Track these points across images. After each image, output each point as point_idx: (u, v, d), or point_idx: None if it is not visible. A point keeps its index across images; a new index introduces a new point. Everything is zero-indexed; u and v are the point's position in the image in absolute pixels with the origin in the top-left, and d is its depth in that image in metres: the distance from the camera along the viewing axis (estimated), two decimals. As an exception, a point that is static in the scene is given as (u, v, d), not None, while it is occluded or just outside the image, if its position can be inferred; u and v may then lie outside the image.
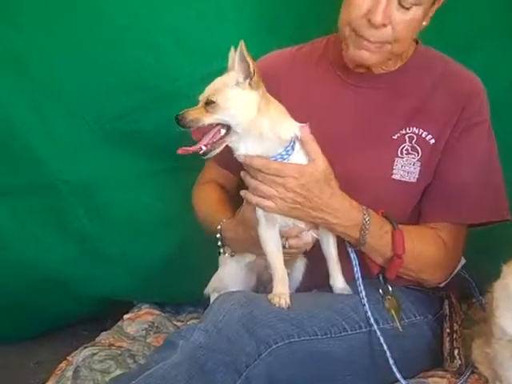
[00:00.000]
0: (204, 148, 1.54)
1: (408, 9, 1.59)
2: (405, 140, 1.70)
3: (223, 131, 1.54)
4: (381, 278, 1.70)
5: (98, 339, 2.02)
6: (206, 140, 1.54)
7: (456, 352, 1.68)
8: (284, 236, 1.63)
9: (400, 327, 1.64)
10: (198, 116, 1.52)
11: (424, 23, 1.66)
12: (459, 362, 1.67)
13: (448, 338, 1.71)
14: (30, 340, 2.55)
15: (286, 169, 1.55)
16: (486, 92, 1.74)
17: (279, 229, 1.62)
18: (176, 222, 2.20)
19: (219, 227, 1.76)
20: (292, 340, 1.51)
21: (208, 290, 1.83)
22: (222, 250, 1.77)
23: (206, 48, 2.00)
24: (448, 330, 1.72)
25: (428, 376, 1.68)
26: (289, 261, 1.68)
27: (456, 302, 1.81)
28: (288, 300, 1.56)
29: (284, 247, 1.63)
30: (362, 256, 1.67)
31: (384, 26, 1.59)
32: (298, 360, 1.52)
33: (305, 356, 1.53)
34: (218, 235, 1.75)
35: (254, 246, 1.66)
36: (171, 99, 2.04)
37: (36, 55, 2.09)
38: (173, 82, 2.06)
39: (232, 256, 1.77)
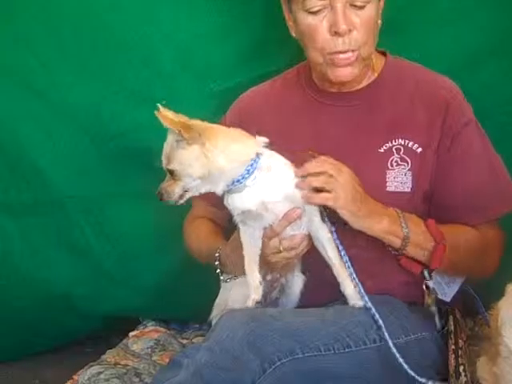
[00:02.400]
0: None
1: (362, 8, 1.65)
2: (392, 152, 1.73)
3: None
4: (426, 273, 1.70)
5: (103, 357, 2.03)
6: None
7: (461, 368, 1.67)
8: (273, 236, 1.62)
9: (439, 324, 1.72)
10: (169, 189, 1.59)
11: (379, 21, 1.71)
12: (465, 378, 1.65)
13: (453, 355, 1.70)
14: (36, 357, 2.56)
15: None
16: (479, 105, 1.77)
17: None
18: (182, 239, 2.20)
19: (217, 254, 1.77)
20: (296, 356, 1.50)
21: (212, 317, 1.81)
22: (222, 278, 1.78)
23: (210, 67, 2.03)
24: (453, 347, 1.71)
25: (434, 393, 1.67)
26: (286, 266, 1.68)
27: (461, 317, 1.81)
28: (255, 297, 1.60)
29: (279, 250, 1.63)
30: (399, 262, 1.68)
31: (350, 31, 1.64)
32: (303, 376, 1.51)
33: (309, 372, 1.52)
34: (217, 263, 1.76)
35: None
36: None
37: (43, 74, 2.12)
38: (177, 100, 2.07)
39: (235, 279, 1.77)
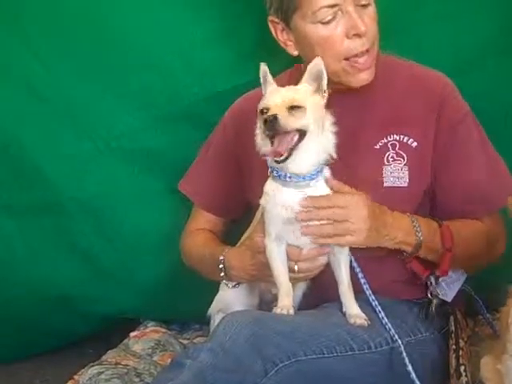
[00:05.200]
0: (285, 154, 1.51)
1: (367, 6, 1.68)
2: (388, 148, 1.74)
3: (296, 137, 1.52)
4: (432, 279, 1.71)
5: (104, 358, 2.03)
6: (286, 146, 1.51)
7: (462, 369, 1.67)
8: (296, 260, 1.62)
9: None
10: (286, 121, 1.50)
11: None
12: (465, 378, 1.66)
13: (454, 355, 1.70)
14: (36, 358, 2.55)
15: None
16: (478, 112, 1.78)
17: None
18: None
19: (222, 258, 1.76)
20: (298, 358, 1.51)
21: (211, 311, 1.83)
22: (225, 282, 1.78)
23: (211, 68, 2.03)
24: (454, 347, 1.72)
25: (434, 394, 1.68)
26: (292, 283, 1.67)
27: (461, 318, 1.82)
28: (292, 312, 1.58)
29: (293, 271, 1.63)
30: (406, 265, 1.70)
31: (366, 31, 1.66)
32: (303, 378, 1.52)
33: (311, 374, 1.53)
34: (221, 266, 1.75)
35: (261, 271, 1.67)
36: (177, 119, 2.07)
37: (45, 76, 2.13)
38: (179, 101, 2.08)
39: (235, 287, 1.77)
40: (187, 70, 2.07)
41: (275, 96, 1.56)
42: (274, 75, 1.62)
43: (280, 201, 1.57)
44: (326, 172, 1.60)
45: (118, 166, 2.19)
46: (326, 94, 1.58)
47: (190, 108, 1.99)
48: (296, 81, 1.77)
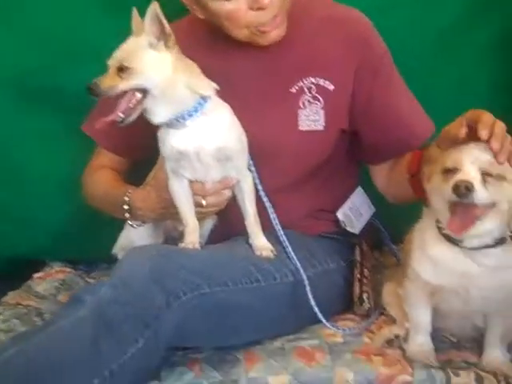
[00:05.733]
0: (122, 115, 1.50)
1: None
2: (304, 91, 1.70)
3: (139, 95, 1.50)
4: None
5: (4, 299, 1.95)
6: (122, 107, 1.50)
7: (365, 296, 1.72)
8: (201, 195, 1.61)
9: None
10: (112, 84, 1.46)
11: None
12: (368, 305, 1.71)
13: (358, 284, 1.74)
14: None
15: None
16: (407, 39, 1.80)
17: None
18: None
19: (127, 198, 1.71)
20: (202, 291, 1.49)
21: (116, 249, 1.79)
22: (130, 223, 1.74)
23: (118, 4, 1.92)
24: (358, 276, 1.75)
25: (338, 320, 1.71)
26: (200, 220, 1.66)
27: (367, 248, 1.85)
28: (198, 247, 1.58)
29: (201, 206, 1.62)
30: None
31: (269, 3, 1.57)
32: (208, 310, 1.50)
33: (215, 307, 1.51)
34: (126, 206, 1.71)
35: (168, 209, 1.64)
36: (81, 59, 1.96)
37: None
38: (83, 41, 1.98)
39: (140, 226, 1.74)
40: (88, 10, 1.98)
41: (114, 54, 1.50)
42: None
43: (168, 140, 1.56)
44: (208, 105, 1.55)
45: (19, 106, 2.08)
46: (171, 38, 1.50)
47: (95, 49, 1.88)
48: (196, 29, 1.72)
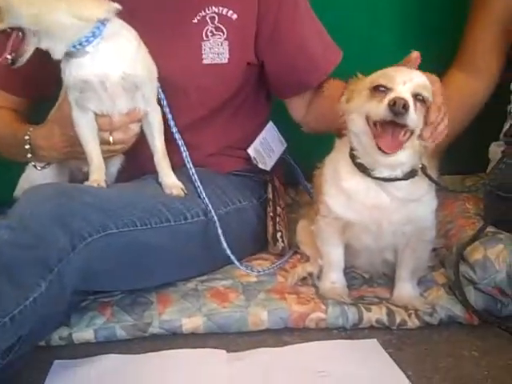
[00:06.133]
0: (9, 57, 1.41)
1: None
2: (207, 22, 1.64)
3: (21, 35, 1.40)
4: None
5: None
6: (8, 49, 1.42)
7: (279, 235, 1.70)
8: (108, 129, 1.52)
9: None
10: None
11: None
12: (282, 244, 1.69)
13: (271, 222, 1.72)
14: None
15: None
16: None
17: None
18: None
19: (27, 137, 1.59)
20: (109, 232, 1.41)
21: (17, 192, 1.67)
22: (33, 164, 1.63)
23: None
24: (271, 214, 1.73)
25: (253, 260, 1.69)
26: (106, 160, 1.58)
27: (280, 186, 1.82)
28: (104, 185, 1.50)
29: (108, 143, 1.53)
30: None
31: None
32: (116, 252, 1.44)
33: (123, 247, 1.44)
34: (27, 146, 1.59)
35: (73, 147, 1.55)
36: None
37: None
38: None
39: (44, 168, 1.63)
40: None
41: None
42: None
43: (69, 69, 1.46)
44: (108, 28, 1.44)
45: None
46: None
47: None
48: None
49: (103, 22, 1.44)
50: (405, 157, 1.38)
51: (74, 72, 1.45)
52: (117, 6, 1.45)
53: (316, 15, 1.75)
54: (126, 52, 1.47)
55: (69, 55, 1.45)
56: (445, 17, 1.99)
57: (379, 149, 1.34)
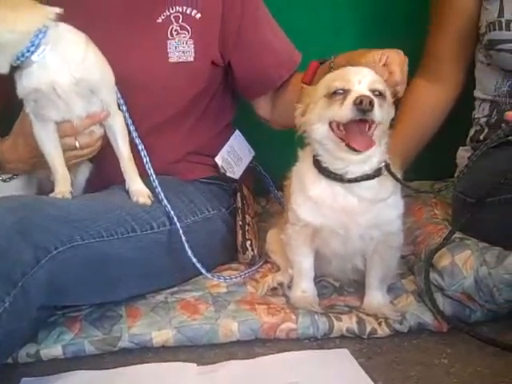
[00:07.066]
0: None
1: None
2: (171, 21, 1.64)
3: None
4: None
5: None
6: None
7: (248, 243, 1.69)
8: (72, 134, 1.50)
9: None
10: None
11: None
12: (251, 253, 1.68)
13: (241, 231, 1.71)
14: None
15: None
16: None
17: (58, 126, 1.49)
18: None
19: None
20: (75, 244, 1.39)
21: None
22: (1, 178, 1.60)
23: None
24: (240, 223, 1.72)
25: (223, 270, 1.68)
26: (74, 165, 1.57)
27: (249, 194, 1.82)
28: (68, 196, 1.48)
29: (75, 148, 1.51)
30: None
31: None
32: (83, 264, 1.41)
33: (89, 259, 1.42)
34: None
35: (39, 158, 1.52)
36: None
37: None
38: None
39: (12, 179, 1.61)
40: None
41: None
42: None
43: (20, 81, 1.44)
44: (50, 36, 1.41)
45: None
46: None
47: None
48: None
49: (42, 30, 1.40)
50: (371, 150, 1.39)
51: (25, 83, 1.43)
52: (55, 10, 1.42)
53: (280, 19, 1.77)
54: (73, 56, 1.44)
55: (18, 67, 1.42)
56: (409, 23, 2.01)
57: (353, 149, 1.35)
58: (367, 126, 1.35)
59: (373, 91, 1.35)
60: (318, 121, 1.40)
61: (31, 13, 1.40)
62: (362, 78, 1.35)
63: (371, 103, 1.31)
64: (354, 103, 1.31)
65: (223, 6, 1.66)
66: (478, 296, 1.43)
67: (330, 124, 1.38)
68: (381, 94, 1.36)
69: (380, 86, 1.36)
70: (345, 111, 1.33)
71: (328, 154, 1.41)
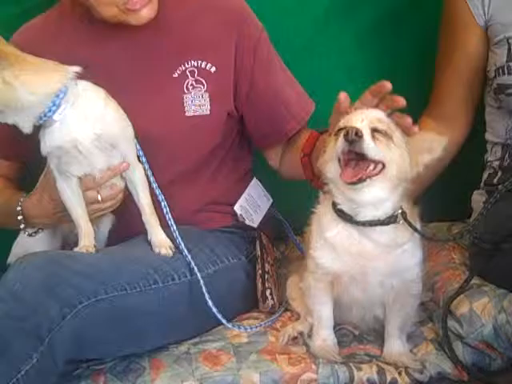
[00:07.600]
0: None
1: None
2: (187, 76, 1.69)
3: None
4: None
5: None
6: None
7: (268, 292, 1.70)
8: (93, 187, 1.55)
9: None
10: None
11: None
12: (271, 302, 1.69)
13: (260, 280, 1.72)
14: None
15: None
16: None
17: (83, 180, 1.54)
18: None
19: (19, 208, 1.63)
20: (99, 298, 1.43)
21: (11, 259, 1.69)
22: (27, 232, 1.67)
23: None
24: (260, 272, 1.74)
25: (243, 319, 1.69)
26: (97, 217, 1.61)
27: (267, 242, 1.83)
28: (92, 251, 1.52)
29: (97, 201, 1.57)
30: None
31: None
32: (107, 318, 1.45)
33: (114, 313, 1.45)
34: (20, 217, 1.63)
35: (64, 212, 1.57)
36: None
37: None
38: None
39: (37, 234, 1.67)
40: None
41: None
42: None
43: (43, 140, 1.50)
44: (70, 94, 1.47)
45: None
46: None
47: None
48: (81, 8, 1.64)
49: (62, 90, 1.46)
50: (383, 192, 1.40)
51: (48, 141, 1.49)
52: (75, 69, 1.49)
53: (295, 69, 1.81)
54: (93, 113, 1.49)
55: (41, 126, 1.48)
56: (417, 74, 2.03)
57: (344, 181, 1.37)
58: (365, 162, 1.35)
59: (373, 129, 1.36)
60: (330, 159, 1.43)
61: (51, 75, 1.47)
62: (364, 117, 1.38)
63: (357, 134, 1.33)
64: (344, 135, 1.35)
65: (235, 59, 1.70)
66: (497, 344, 1.43)
67: (339, 161, 1.40)
68: (385, 134, 1.38)
69: (380, 125, 1.38)
70: (337, 144, 1.37)
71: (341, 195, 1.43)
